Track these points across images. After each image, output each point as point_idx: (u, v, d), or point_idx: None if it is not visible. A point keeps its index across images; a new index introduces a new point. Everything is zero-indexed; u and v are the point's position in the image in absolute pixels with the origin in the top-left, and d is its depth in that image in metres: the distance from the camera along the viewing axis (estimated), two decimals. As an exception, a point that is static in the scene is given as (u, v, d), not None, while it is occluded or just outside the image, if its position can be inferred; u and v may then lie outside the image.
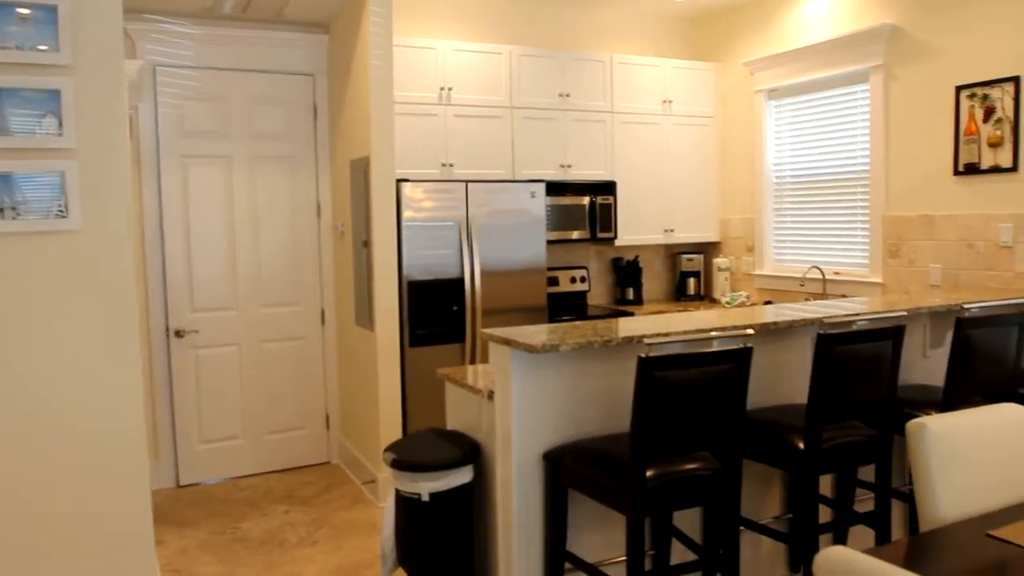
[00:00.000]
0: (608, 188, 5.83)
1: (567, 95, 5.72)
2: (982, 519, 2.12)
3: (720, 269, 6.17)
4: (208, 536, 4.31)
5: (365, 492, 4.93)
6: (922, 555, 1.93)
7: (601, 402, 3.04)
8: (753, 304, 5.88)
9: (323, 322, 5.51)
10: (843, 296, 5.32)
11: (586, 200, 5.71)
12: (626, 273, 6.17)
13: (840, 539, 3.65)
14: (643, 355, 2.40)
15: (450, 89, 5.28)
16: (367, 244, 4.69)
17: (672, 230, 6.16)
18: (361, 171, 4.73)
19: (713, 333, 2.85)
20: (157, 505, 4.79)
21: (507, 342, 2.80)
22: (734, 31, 6.26)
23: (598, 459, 2.71)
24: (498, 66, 5.46)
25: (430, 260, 4.82)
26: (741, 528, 3.40)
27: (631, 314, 5.48)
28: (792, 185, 5.83)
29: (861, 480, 3.61)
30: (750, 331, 2.69)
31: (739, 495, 2.73)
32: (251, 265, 5.27)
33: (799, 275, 5.69)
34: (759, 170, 6.04)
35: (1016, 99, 4.31)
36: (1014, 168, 4.33)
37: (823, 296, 5.47)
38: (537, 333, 2.88)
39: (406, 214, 4.74)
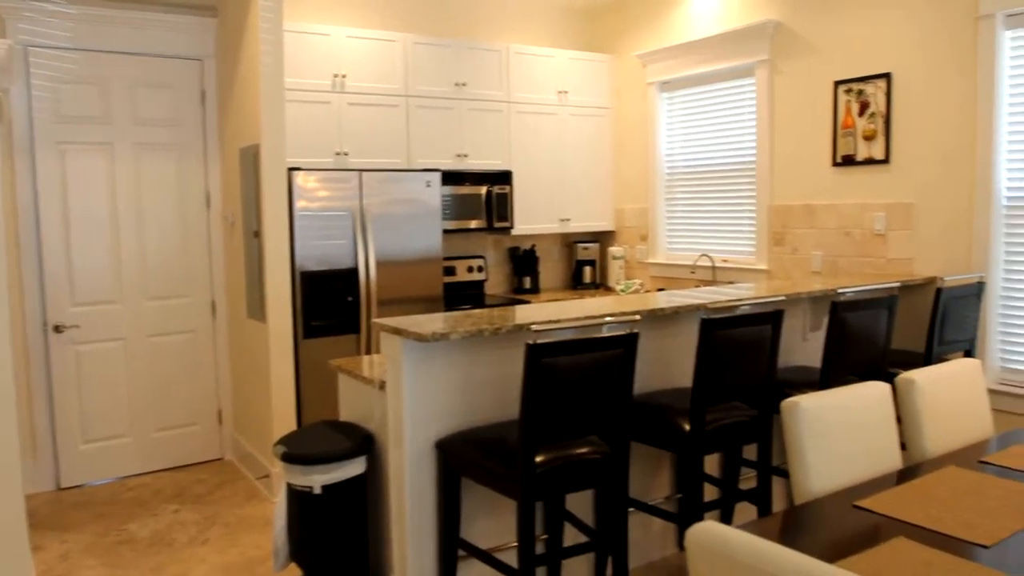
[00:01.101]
0: (504, 178, 5.85)
1: (463, 84, 5.71)
2: (850, 491, 2.23)
3: (615, 258, 6.28)
4: (92, 539, 4.14)
5: (259, 488, 4.82)
6: (794, 527, 2.02)
7: (493, 390, 3.06)
8: (647, 291, 6.02)
9: (214, 314, 5.36)
10: (731, 283, 5.50)
11: (483, 190, 5.72)
12: (523, 262, 6.22)
13: (726, 516, 3.79)
14: (531, 342, 2.42)
15: (344, 76, 5.20)
16: (258, 234, 4.58)
17: (568, 219, 6.24)
18: (251, 159, 4.61)
19: (607, 319, 2.90)
20: (35, 509, 4.57)
21: (398, 332, 2.78)
22: (627, 24, 6.38)
23: (489, 446, 2.72)
24: (393, 54, 5.41)
25: (324, 250, 4.74)
26: (631, 509, 3.49)
27: (528, 302, 5.53)
28: (684, 175, 5.99)
29: (746, 459, 3.75)
30: (637, 317, 2.75)
31: (627, 477, 2.79)
32: (136, 256, 5.07)
33: (690, 263, 5.85)
34: (652, 161, 6.17)
35: (888, 95, 4.54)
36: (886, 160, 4.56)
37: (713, 283, 5.65)
38: (428, 322, 2.88)
39: (298, 203, 4.65)
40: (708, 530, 1.38)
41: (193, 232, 5.25)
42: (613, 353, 2.59)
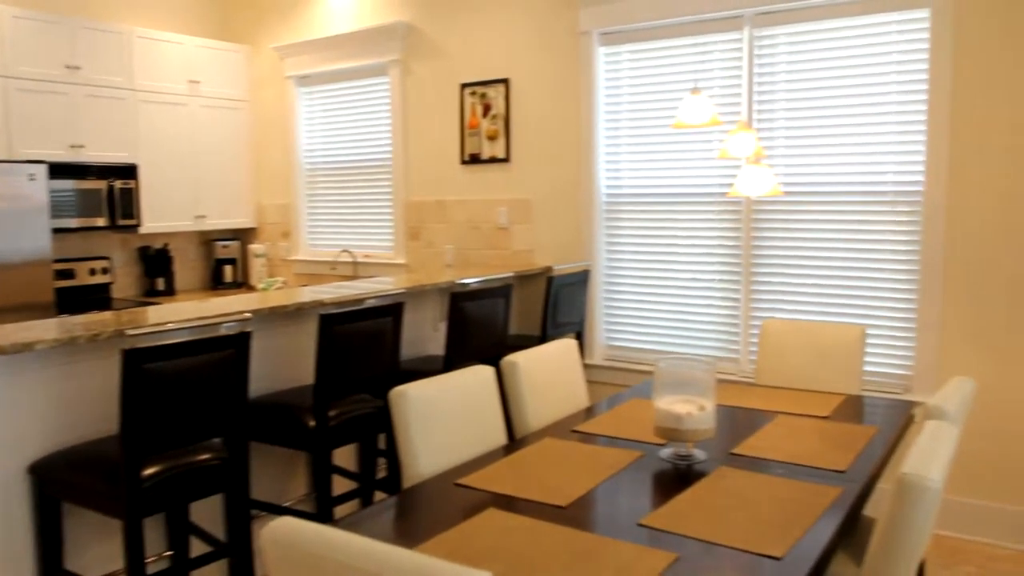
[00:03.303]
0: (130, 171, 5.40)
1: (77, 67, 5.17)
2: (456, 470, 2.36)
3: (257, 255, 6.10)
4: None
5: None
6: (402, 510, 2.10)
7: (98, 403, 2.81)
8: (290, 289, 5.92)
9: None
10: (372, 277, 5.59)
11: (104, 184, 5.23)
12: (155, 262, 5.80)
13: (366, 506, 3.84)
14: (127, 348, 2.25)
15: (-81, 51, 4.47)
16: None
17: (205, 216, 5.93)
18: None
19: (221, 319, 2.79)
20: None
21: (-29, 344, 2.44)
22: (264, 14, 6.20)
23: (91, 465, 2.50)
24: (-15, 28, 4.75)
25: None
26: (263, 513, 3.41)
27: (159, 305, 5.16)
28: (325, 171, 5.97)
29: (382, 449, 3.83)
30: (249, 316, 2.68)
31: (247, 481, 2.71)
32: None
33: (333, 259, 5.86)
34: (292, 156, 6.07)
35: (507, 99, 4.89)
36: (507, 159, 4.91)
37: (354, 278, 5.70)
38: (11, 332, 2.56)
39: None
40: (280, 527, 1.37)
41: None
42: (224, 354, 2.50)
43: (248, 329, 2.56)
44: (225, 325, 2.93)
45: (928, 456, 1.77)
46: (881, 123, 3.80)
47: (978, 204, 3.56)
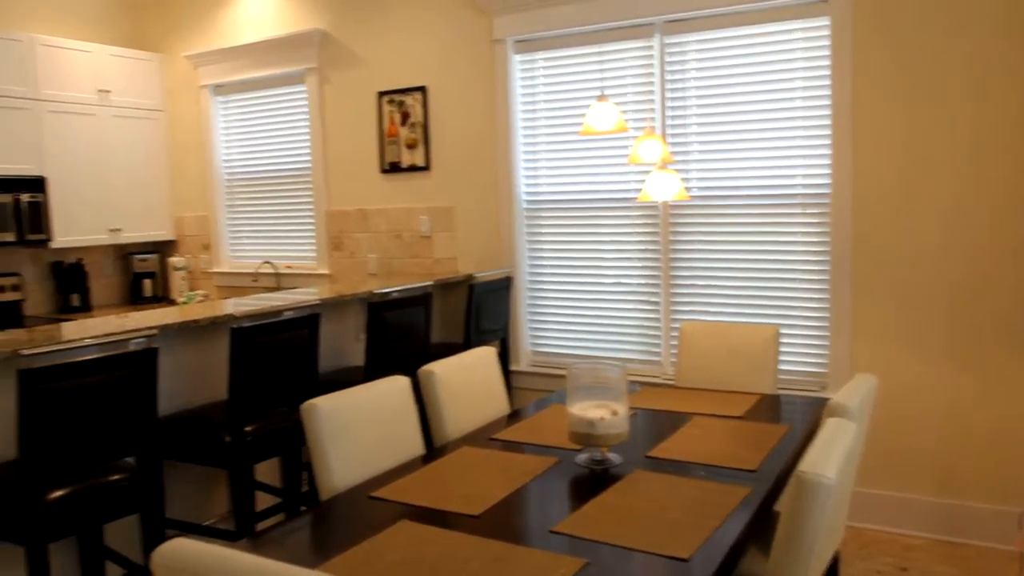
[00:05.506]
0: (38, 184, 5.22)
1: (-24, 77, 4.99)
2: (371, 482, 2.34)
3: (176, 268, 5.96)
4: None
5: None
6: (316, 524, 2.07)
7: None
8: (212, 301, 5.80)
9: None
10: (295, 288, 5.51)
11: (9, 198, 5.05)
12: (69, 277, 5.62)
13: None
14: (23, 368, 2.18)
15: None
16: None
17: (120, 229, 5.77)
18: None
19: (149, 334, 2.72)
20: None
21: None
22: (175, 22, 6.07)
23: (-11, 490, 2.40)
24: None
25: None
26: (182, 533, 3.33)
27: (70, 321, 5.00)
28: (244, 182, 5.87)
29: (305, 462, 3.77)
30: (155, 332, 2.62)
31: (162, 500, 2.65)
32: None
33: (255, 271, 5.76)
34: (210, 167, 5.96)
35: (425, 106, 4.88)
36: (427, 167, 4.90)
37: (277, 289, 5.61)
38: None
39: None
40: (169, 548, 1.34)
41: None
42: (129, 371, 2.44)
43: (155, 345, 2.49)
44: (133, 341, 2.85)
45: (825, 453, 1.82)
46: (789, 127, 3.91)
47: (880, 205, 3.69)
